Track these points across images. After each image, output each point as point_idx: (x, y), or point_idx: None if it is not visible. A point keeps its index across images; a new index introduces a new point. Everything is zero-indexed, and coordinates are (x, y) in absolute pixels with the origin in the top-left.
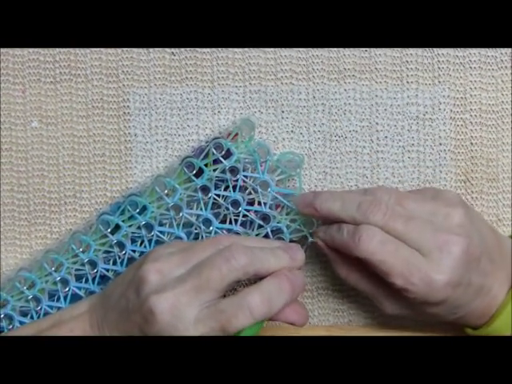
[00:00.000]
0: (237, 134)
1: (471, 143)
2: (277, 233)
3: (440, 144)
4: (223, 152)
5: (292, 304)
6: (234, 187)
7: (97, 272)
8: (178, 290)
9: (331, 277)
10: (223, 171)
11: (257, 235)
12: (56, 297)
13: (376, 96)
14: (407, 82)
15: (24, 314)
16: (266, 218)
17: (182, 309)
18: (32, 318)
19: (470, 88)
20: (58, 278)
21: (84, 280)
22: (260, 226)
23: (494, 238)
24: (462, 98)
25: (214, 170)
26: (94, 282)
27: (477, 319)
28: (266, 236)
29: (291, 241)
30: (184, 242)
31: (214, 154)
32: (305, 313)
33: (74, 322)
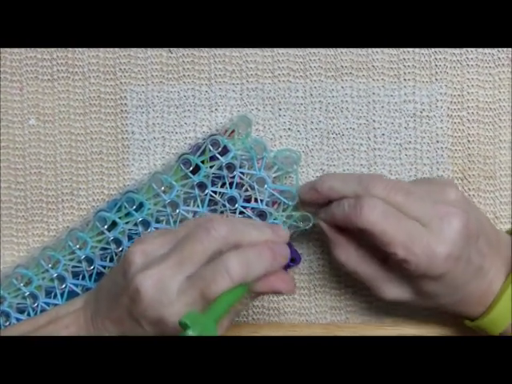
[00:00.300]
0: (233, 131)
1: (468, 141)
2: None
3: (437, 141)
4: (220, 149)
5: (277, 273)
6: (231, 184)
7: (93, 269)
8: (162, 266)
9: (329, 274)
10: (220, 168)
11: None
12: (53, 294)
13: (373, 93)
14: (404, 80)
15: (21, 311)
16: (262, 214)
17: (165, 283)
18: (29, 314)
19: (467, 85)
20: (55, 275)
21: (81, 277)
22: None
23: (490, 223)
24: (459, 95)
25: (211, 167)
26: (90, 279)
27: (474, 306)
28: None
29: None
30: (169, 228)
31: (210, 150)
32: (291, 281)
33: (70, 317)
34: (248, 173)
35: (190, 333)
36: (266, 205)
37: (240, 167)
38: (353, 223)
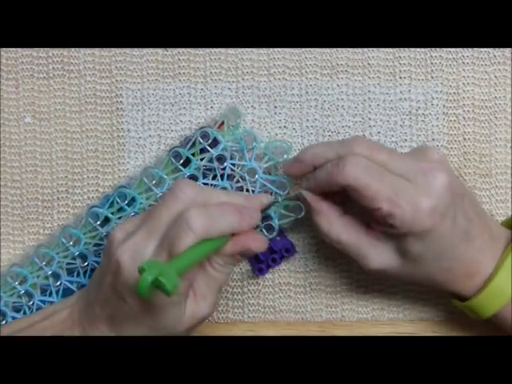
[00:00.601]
0: (223, 123)
1: (464, 138)
2: (266, 219)
3: (433, 139)
4: (210, 141)
5: (248, 233)
6: (222, 176)
7: (88, 265)
8: (136, 237)
9: (324, 272)
10: (210, 160)
11: None
12: (48, 291)
13: (369, 91)
14: (400, 78)
15: (17, 310)
16: None
17: (140, 251)
18: (25, 313)
19: (463, 83)
20: (50, 273)
21: (75, 274)
22: None
23: (474, 195)
24: (454, 93)
25: (202, 159)
26: (85, 276)
27: (463, 279)
28: None
29: (281, 228)
30: None
31: (200, 143)
32: (262, 240)
33: (65, 312)
34: (239, 164)
35: (146, 276)
36: None
37: (231, 158)
38: (336, 181)
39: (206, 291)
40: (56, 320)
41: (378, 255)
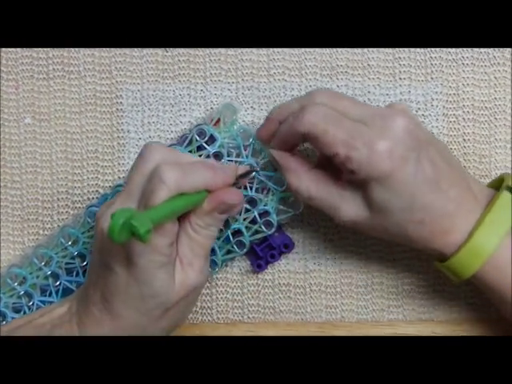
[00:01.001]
0: (219, 120)
1: (464, 139)
2: (264, 215)
3: None
4: (206, 138)
5: (223, 189)
6: None
7: (87, 265)
8: (115, 203)
9: (324, 273)
10: (207, 157)
11: (244, 219)
12: (48, 292)
13: (369, 92)
14: (400, 79)
15: (17, 311)
16: (252, 201)
17: None
18: (25, 313)
19: (463, 84)
20: (49, 273)
21: (75, 273)
22: (247, 210)
23: (449, 151)
24: (454, 94)
25: (199, 157)
26: (84, 275)
27: (438, 235)
28: (254, 219)
29: (279, 224)
30: None
31: (197, 140)
32: (237, 191)
33: (64, 307)
34: (236, 160)
35: (116, 218)
36: (256, 191)
37: (227, 155)
38: (296, 130)
39: (192, 257)
40: (54, 315)
41: (349, 206)
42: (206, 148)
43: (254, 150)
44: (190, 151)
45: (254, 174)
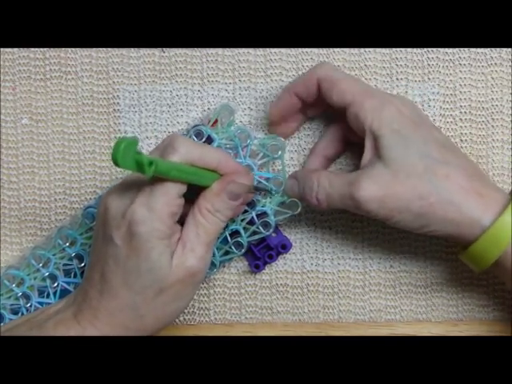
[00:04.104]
0: (216, 121)
1: (461, 140)
2: (262, 216)
3: None
4: (204, 139)
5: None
6: None
7: (84, 266)
8: (122, 181)
9: (321, 273)
10: None
11: (242, 220)
12: (45, 293)
13: None
14: (397, 79)
15: (15, 312)
16: (250, 202)
17: (127, 190)
18: (23, 315)
19: (460, 85)
20: (47, 274)
21: (72, 275)
22: (245, 211)
23: (455, 146)
24: (451, 94)
25: None
26: (82, 277)
27: (474, 193)
28: (252, 220)
29: (277, 225)
30: None
31: (194, 141)
32: (249, 174)
33: (61, 303)
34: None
35: (121, 141)
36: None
37: None
38: (314, 74)
39: (195, 243)
40: (52, 311)
41: (367, 182)
42: None
43: (251, 151)
44: None
45: (252, 173)
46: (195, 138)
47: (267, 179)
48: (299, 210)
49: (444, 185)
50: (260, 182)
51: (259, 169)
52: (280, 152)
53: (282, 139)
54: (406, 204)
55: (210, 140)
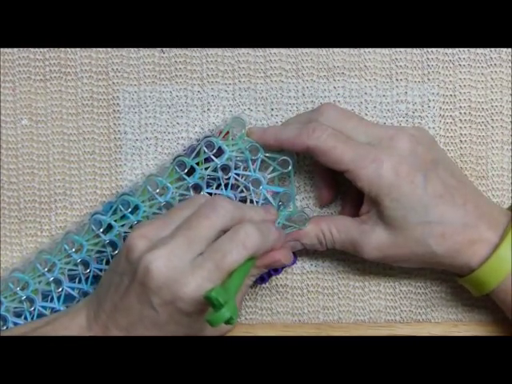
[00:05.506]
0: (228, 133)
1: (460, 141)
2: None
3: None
4: (214, 150)
5: (278, 248)
6: (226, 185)
7: (90, 272)
8: (171, 245)
9: (321, 274)
10: (215, 169)
11: None
12: (49, 297)
13: (365, 93)
14: (396, 80)
15: (18, 315)
16: None
17: (177, 260)
18: (26, 318)
19: (460, 85)
20: (51, 279)
21: (77, 280)
22: None
23: (460, 171)
24: (451, 95)
25: (206, 169)
26: (87, 282)
27: (466, 245)
28: None
29: None
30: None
31: (205, 152)
32: (289, 251)
33: (69, 317)
34: (243, 174)
35: (224, 312)
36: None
37: (235, 168)
38: (303, 142)
39: (238, 295)
40: (59, 326)
41: (371, 237)
42: (213, 160)
43: (261, 165)
44: (198, 163)
45: (260, 188)
46: (206, 149)
47: (276, 193)
48: (307, 225)
49: (439, 245)
50: (266, 197)
51: (268, 182)
52: (290, 167)
53: (293, 156)
54: (405, 260)
55: (220, 151)
